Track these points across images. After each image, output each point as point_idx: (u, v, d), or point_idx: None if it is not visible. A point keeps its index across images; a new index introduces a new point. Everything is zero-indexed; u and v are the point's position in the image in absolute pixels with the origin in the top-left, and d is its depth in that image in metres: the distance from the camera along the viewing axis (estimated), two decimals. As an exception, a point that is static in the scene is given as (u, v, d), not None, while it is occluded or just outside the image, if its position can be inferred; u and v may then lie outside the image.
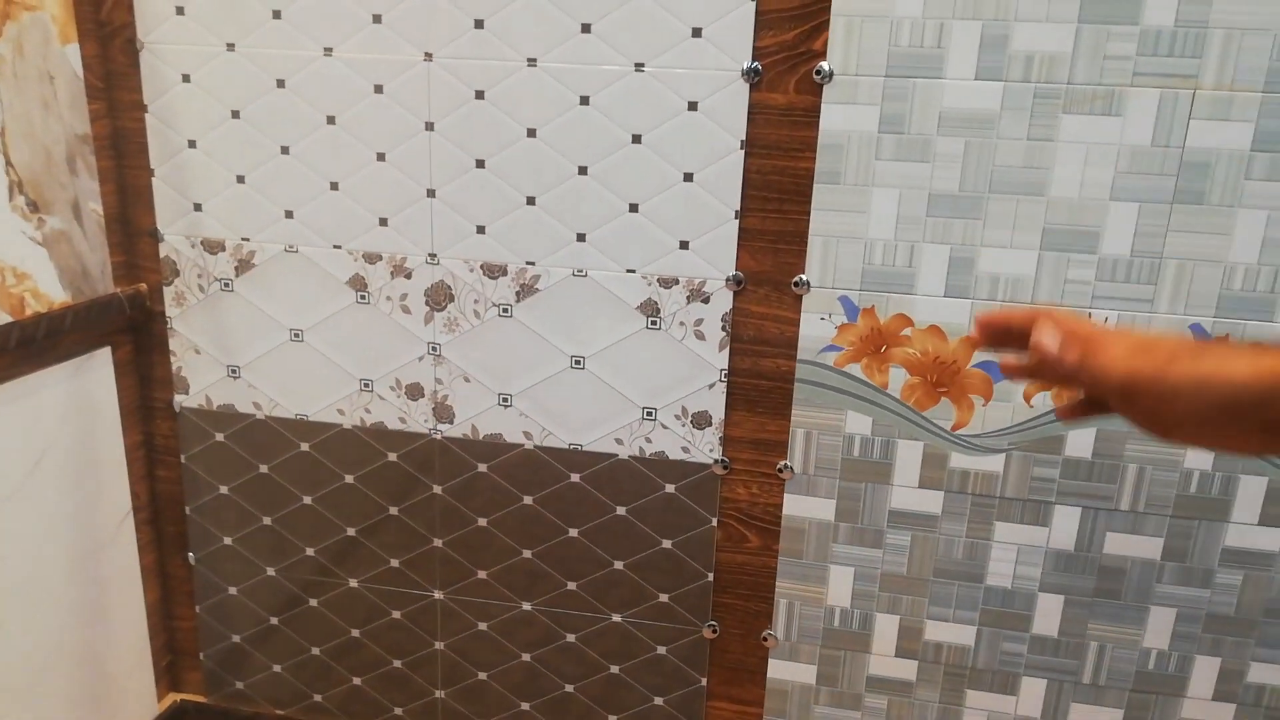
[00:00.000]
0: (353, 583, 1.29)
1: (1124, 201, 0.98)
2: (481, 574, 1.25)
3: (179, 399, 1.26)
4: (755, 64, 1.01)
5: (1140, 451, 1.05)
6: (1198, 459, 1.04)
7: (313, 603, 1.31)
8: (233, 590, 1.33)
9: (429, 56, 1.07)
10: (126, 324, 1.22)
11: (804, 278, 1.07)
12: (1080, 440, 1.06)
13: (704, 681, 1.24)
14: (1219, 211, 0.97)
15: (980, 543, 1.11)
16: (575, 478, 1.19)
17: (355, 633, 1.32)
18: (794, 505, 1.15)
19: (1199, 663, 1.11)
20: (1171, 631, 1.11)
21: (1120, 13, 0.93)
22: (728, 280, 1.09)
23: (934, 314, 1.05)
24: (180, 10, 1.10)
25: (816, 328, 1.08)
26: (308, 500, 1.27)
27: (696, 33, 1.01)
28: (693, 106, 1.03)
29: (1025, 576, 1.12)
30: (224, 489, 1.28)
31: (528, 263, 1.12)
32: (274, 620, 1.33)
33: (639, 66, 1.03)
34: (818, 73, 1.00)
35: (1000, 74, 0.97)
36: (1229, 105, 0.94)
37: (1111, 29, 0.94)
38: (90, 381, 1.19)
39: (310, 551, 1.29)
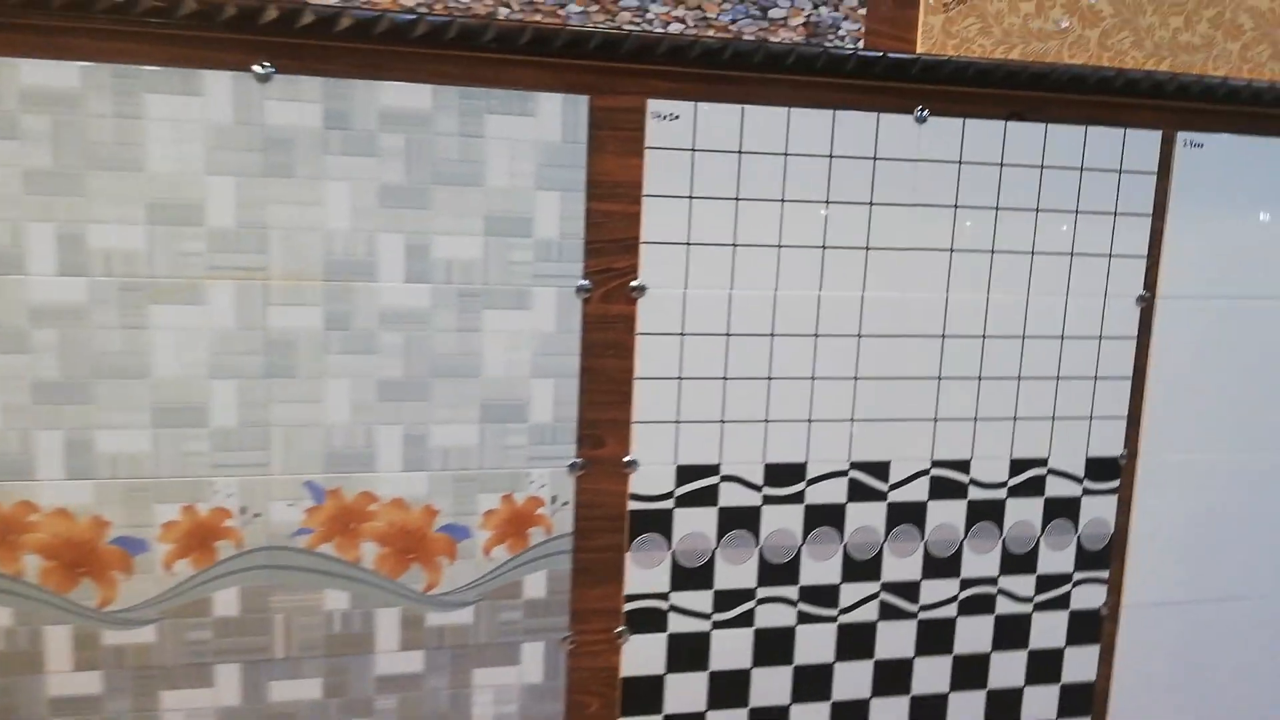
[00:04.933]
0: None
1: (224, 379, 1.09)
2: None
3: None
4: None
5: (285, 602, 1.14)
6: (337, 601, 1.16)
7: None
8: None
9: None
10: None
11: None
12: (226, 599, 1.13)
13: None
14: (310, 383, 1.11)
15: (148, 715, 1.13)
16: None
17: None
18: None
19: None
20: (353, 763, 1.20)
21: (187, 217, 1.06)
22: None
23: (57, 498, 1.07)
24: None
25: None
26: None
27: None
28: None
29: (203, 740, 1.15)
30: None
31: None
32: None
33: None
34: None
35: (84, 270, 1.04)
36: (300, 292, 1.10)
37: (182, 230, 1.06)
38: None
39: None
